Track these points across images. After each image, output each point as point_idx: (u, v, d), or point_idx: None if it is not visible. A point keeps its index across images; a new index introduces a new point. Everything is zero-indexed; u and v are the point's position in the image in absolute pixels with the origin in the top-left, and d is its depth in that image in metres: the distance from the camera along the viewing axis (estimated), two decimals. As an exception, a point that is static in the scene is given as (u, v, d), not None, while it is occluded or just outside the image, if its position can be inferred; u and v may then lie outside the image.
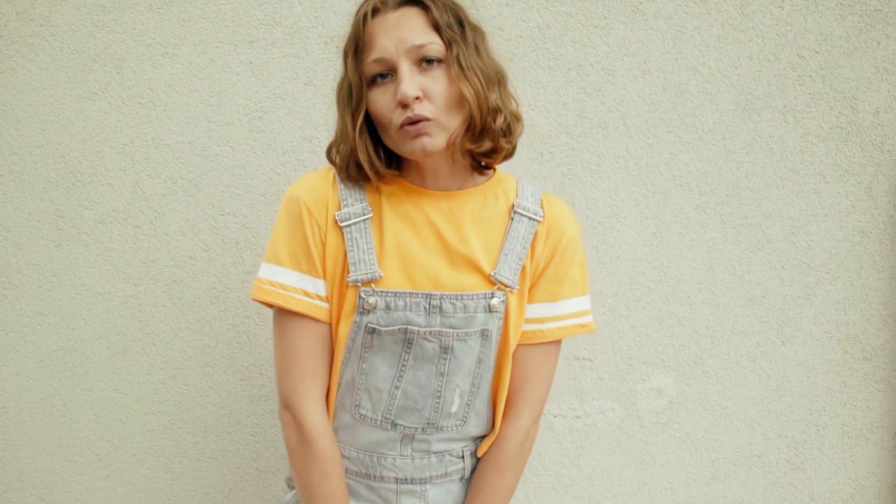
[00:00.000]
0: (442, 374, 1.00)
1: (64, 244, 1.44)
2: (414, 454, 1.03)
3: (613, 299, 1.44)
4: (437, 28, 0.95)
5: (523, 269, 1.02)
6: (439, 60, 0.95)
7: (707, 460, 1.48)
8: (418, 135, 0.93)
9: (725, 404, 1.47)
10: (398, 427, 1.01)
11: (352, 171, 1.00)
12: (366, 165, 0.98)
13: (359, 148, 0.97)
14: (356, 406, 1.02)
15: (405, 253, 1.00)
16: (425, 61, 0.94)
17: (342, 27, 1.40)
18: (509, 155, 1.02)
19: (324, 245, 1.00)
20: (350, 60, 0.97)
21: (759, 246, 1.45)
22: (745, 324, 1.46)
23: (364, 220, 1.00)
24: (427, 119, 0.93)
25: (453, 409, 1.02)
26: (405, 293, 0.98)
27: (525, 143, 1.42)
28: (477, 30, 0.99)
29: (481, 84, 0.95)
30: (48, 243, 1.44)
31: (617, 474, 1.48)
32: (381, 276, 0.98)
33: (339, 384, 1.03)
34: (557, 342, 1.06)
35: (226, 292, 1.43)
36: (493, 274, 1.00)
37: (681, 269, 1.44)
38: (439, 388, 1.00)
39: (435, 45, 0.94)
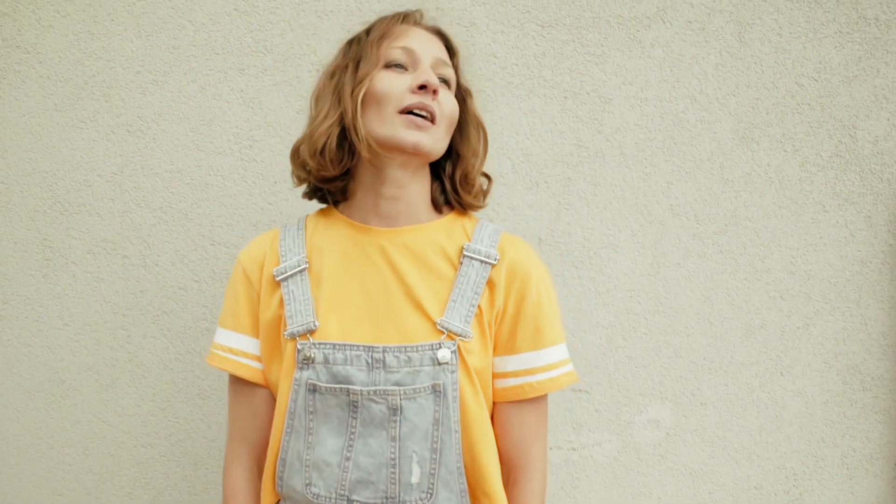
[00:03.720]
0: (394, 440, 0.91)
1: (51, 274, 1.41)
2: None
3: (610, 330, 1.42)
4: (455, 70, 1.03)
5: (478, 316, 0.95)
6: (449, 86, 1.00)
7: (705, 492, 1.46)
8: (421, 126, 0.92)
9: (723, 435, 1.45)
10: None
11: (329, 149, 0.95)
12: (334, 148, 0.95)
13: (356, 117, 0.93)
14: (307, 485, 0.94)
15: (345, 301, 0.95)
16: (441, 78, 0.98)
17: (334, 55, 1.37)
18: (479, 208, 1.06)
19: (255, 303, 0.99)
20: (370, 42, 0.96)
21: (757, 276, 1.43)
22: (744, 354, 1.44)
23: (301, 272, 0.97)
24: (434, 115, 0.93)
25: (414, 480, 0.92)
26: (344, 345, 0.92)
27: (521, 172, 1.40)
28: None
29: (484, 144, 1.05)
30: (35, 273, 1.41)
31: (614, 506, 1.46)
32: (316, 327, 0.93)
33: (283, 461, 0.95)
34: (546, 395, 1.00)
35: (216, 324, 1.41)
36: (439, 321, 0.93)
37: (678, 300, 1.43)
38: (393, 456, 0.91)
39: (452, 72, 1.01)
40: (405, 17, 1.01)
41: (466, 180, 1.02)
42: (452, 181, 1.03)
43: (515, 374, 0.97)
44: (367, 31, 0.99)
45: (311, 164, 0.97)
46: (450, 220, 1.02)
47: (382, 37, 0.96)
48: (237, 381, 1.02)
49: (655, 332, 1.43)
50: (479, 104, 1.36)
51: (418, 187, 0.99)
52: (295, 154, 1.01)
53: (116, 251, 1.41)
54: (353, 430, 0.92)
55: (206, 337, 1.41)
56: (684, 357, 1.44)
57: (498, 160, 1.39)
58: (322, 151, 0.95)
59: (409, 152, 0.93)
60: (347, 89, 0.95)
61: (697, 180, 1.41)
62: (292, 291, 0.96)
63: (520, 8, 1.38)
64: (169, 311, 1.41)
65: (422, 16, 1.04)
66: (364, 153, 0.95)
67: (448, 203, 1.05)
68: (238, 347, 0.99)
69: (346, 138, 0.97)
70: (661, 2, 1.39)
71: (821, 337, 1.44)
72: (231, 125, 1.39)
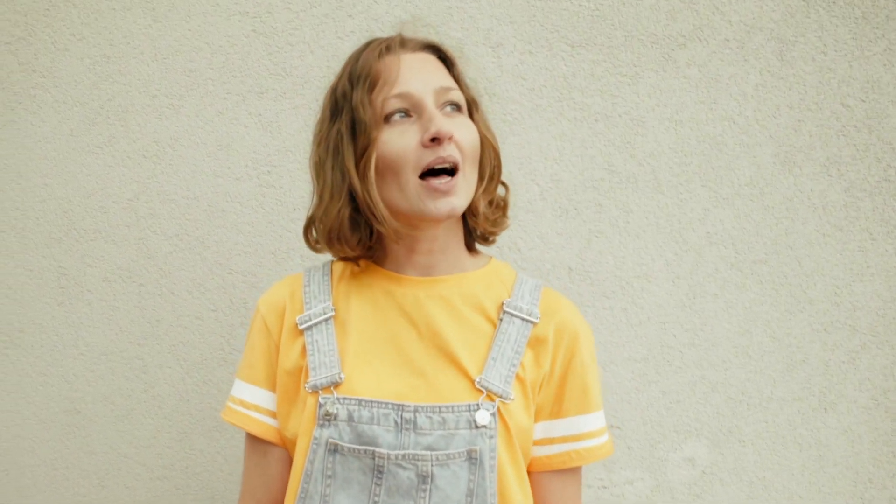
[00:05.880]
0: None
1: (67, 302, 1.38)
2: None
3: (643, 364, 1.36)
4: (457, 82, 0.92)
5: (520, 377, 0.88)
6: (460, 109, 0.89)
7: (743, 534, 1.39)
8: (447, 191, 0.83)
9: (763, 475, 1.38)
10: None
11: (343, 236, 0.88)
12: (379, 219, 0.85)
13: (370, 196, 0.84)
14: None
15: (373, 353, 0.88)
16: (449, 106, 0.87)
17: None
18: (502, 231, 0.98)
19: (273, 354, 0.92)
20: (359, 95, 0.85)
21: (799, 307, 1.36)
22: (785, 390, 1.37)
23: (326, 320, 0.90)
24: (456, 167, 0.84)
25: None
26: (372, 402, 0.84)
27: (550, 199, 1.34)
28: None
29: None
30: (51, 301, 1.39)
31: (646, 548, 1.40)
32: (342, 380, 0.85)
33: None
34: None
35: (234, 354, 1.37)
36: (478, 380, 0.85)
37: (715, 332, 1.36)
38: None
39: (459, 93, 0.89)
40: (387, 48, 0.88)
41: (476, 209, 0.92)
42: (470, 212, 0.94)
43: (563, 440, 0.90)
44: (350, 78, 0.88)
45: (330, 251, 0.92)
46: (488, 270, 0.95)
47: (370, 85, 0.86)
48: (250, 437, 0.95)
49: (691, 366, 1.36)
50: (507, 128, 1.32)
51: (455, 232, 0.93)
52: (307, 233, 0.95)
53: (132, 279, 1.37)
54: (377, 498, 0.83)
55: (223, 368, 1.37)
56: (721, 392, 1.37)
57: (526, 186, 1.33)
58: (337, 236, 0.89)
59: (445, 220, 0.86)
60: (350, 162, 0.86)
61: (736, 207, 1.34)
62: (316, 341, 0.89)
63: (548, 27, 1.32)
64: (185, 340, 1.37)
65: (402, 39, 0.91)
66: (391, 238, 0.88)
67: (473, 238, 0.98)
68: (251, 401, 0.93)
69: (359, 213, 0.89)
70: (698, 19, 1.32)
71: (868, 372, 1.37)
72: (249, 150, 1.35)
